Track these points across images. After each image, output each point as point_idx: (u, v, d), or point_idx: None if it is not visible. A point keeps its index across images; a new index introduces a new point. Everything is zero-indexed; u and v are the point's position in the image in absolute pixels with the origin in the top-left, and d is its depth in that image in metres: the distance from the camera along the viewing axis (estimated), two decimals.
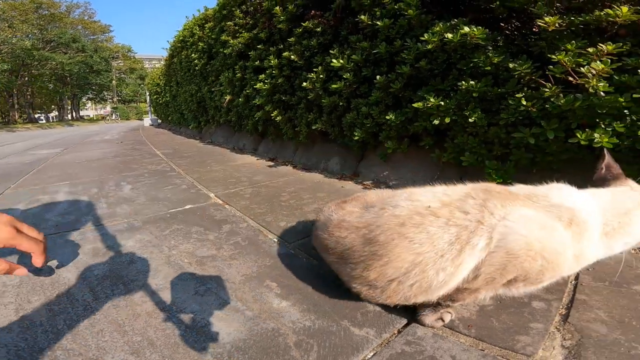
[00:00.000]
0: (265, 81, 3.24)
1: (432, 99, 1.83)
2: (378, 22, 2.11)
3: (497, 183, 1.75)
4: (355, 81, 2.36)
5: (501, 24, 1.79)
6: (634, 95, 1.31)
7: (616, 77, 1.34)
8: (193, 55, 5.21)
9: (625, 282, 1.14)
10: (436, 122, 1.86)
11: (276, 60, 3.10)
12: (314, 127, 2.81)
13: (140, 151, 4.97)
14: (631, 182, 0.97)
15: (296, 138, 3.27)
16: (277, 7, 2.94)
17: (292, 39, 2.91)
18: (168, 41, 7.21)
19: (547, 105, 1.52)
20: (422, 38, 1.85)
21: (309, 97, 2.74)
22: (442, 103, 1.81)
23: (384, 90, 2.17)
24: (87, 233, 1.63)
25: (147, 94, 13.81)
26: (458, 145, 1.92)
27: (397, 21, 2.08)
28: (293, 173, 3.02)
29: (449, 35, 1.74)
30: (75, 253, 1.42)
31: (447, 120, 1.82)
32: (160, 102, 9.45)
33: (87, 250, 1.44)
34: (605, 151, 1.05)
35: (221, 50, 4.23)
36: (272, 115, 3.26)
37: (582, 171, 1.65)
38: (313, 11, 2.63)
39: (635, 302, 1.03)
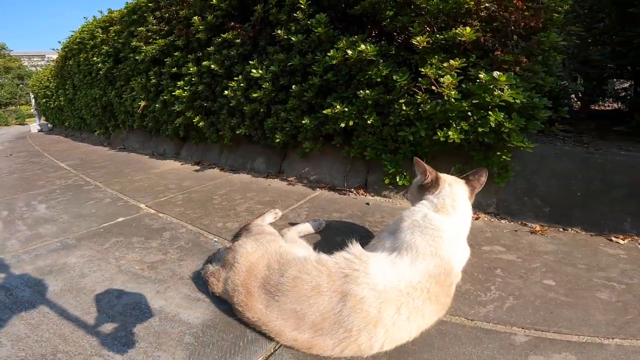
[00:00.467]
0: (185, 88, 3.26)
1: (338, 106, 2.19)
2: (293, 37, 2.39)
3: (390, 172, 2.21)
4: (274, 90, 2.61)
5: (394, 38, 2.22)
6: (474, 101, 1.83)
7: (463, 86, 1.85)
8: (95, 58, 4.79)
9: (477, 244, 1.63)
10: (342, 124, 2.24)
11: (195, 67, 3.15)
12: (238, 132, 2.98)
13: (40, 164, 4.43)
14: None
15: (220, 141, 3.38)
16: (196, 17, 2.99)
17: (211, 48, 3.00)
18: (60, 42, 6.36)
19: (419, 110, 1.99)
20: (329, 54, 2.19)
21: (231, 104, 2.89)
22: (346, 109, 2.19)
23: (299, 98, 2.47)
24: (21, 256, 1.60)
25: (32, 96, 11.83)
26: (362, 143, 2.33)
27: (309, 36, 2.39)
28: (221, 175, 3.15)
29: (350, 52, 2.10)
30: (20, 275, 1.41)
31: (351, 123, 2.21)
32: (52, 106, 8.28)
33: (31, 270, 1.44)
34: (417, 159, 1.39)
35: (131, 55, 4.04)
36: (194, 120, 3.31)
37: (448, 157, 2.19)
38: (233, 22, 2.77)
39: (482, 259, 1.51)
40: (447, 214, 1.18)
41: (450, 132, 1.85)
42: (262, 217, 1.90)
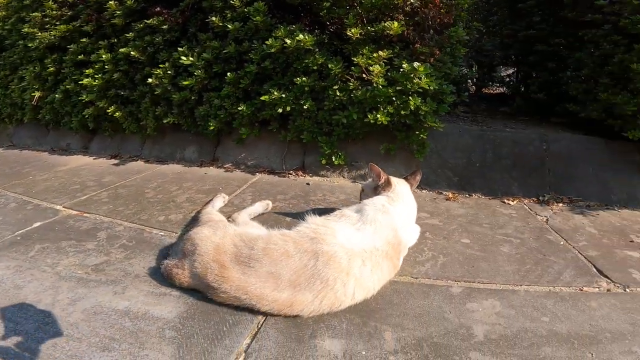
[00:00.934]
0: (96, 76, 2.87)
1: (275, 92, 2.23)
2: (229, 25, 2.31)
3: (326, 153, 2.35)
4: (207, 77, 2.49)
5: (327, 28, 2.31)
6: (397, 88, 2.05)
7: (389, 74, 2.05)
8: None
9: None
10: (280, 110, 2.28)
11: (109, 54, 2.80)
12: (165, 121, 2.77)
13: None
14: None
15: (142, 132, 3.10)
16: (112, 2, 2.65)
17: (130, 34, 2.70)
18: None
19: (352, 95, 2.16)
20: (267, 43, 2.19)
21: (155, 92, 2.66)
22: (284, 95, 2.24)
23: (234, 85, 2.41)
24: None
25: None
26: (298, 127, 2.41)
27: (246, 24, 2.34)
28: (148, 168, 2.90)
29: (288, 41, 2.14)
30: None
31: (288, 108, 2.27)
32: None
33: None
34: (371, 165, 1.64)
35: (21, 42, 3.38)
36: (109, 111, 2.95)
37: (376, 137, 2.42)
38: (158, 8, 2.52)
39: None
40: (399, 204, 1.42)
41: (378, 115, 2.05)
42: (211, 203, 1.87)
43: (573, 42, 2.45)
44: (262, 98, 2.27)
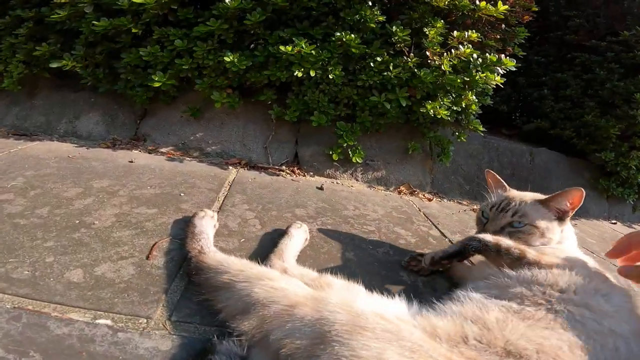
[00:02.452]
0: None
1: (304, 45, 1.28)
2: None
3: (345, 145, 1.59)
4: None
5: None
6: (466, 78, 1.51)
7: (463, 59, 1.48)
8: None
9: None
10: (299, 73, 1.35)
11: None
12: (56, 65, 1.35)
13: None
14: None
15: None
16: None
17: None
18: None
19: (399, 75, 1.47)
20: None
21: (49, 18, 1.22)
22: (314, 52, 1.32)
23: (228, 20, 1.30)
24: None
25: None
26: (306, 103, 1.53)
27: None
28: None
29: None
30: None
31: (313, 72, 1.37)
32: None
33: None
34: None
35: None
36: None
37: (397, 132, 1.81)
38: None
39: None
40: None
41: (437, 106, 1.45)
42: (195, 235, 0.88)
43: (552, 62, 2.48)
44: (282, 48, 1.28)
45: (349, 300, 0.59)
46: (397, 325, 0.53)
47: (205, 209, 1.02)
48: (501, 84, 1.55)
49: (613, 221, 2.27)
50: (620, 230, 2.13)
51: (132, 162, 1.40)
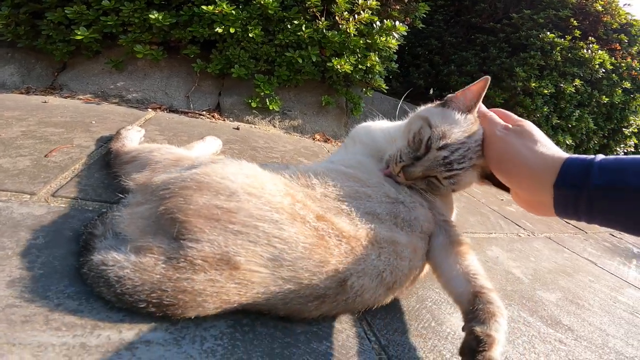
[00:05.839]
0: None
1: (225, 5, 1.42)
2: None
3: (262, 94, 1.76)
4: None
5: None
6: (368, 40, 1.74)
7: (358, 26, 1.70)
8: None
9: None
10: (220, 30, 1.49)
11: None
12: None
13: None
14: None
15: None
16: None
17: None
18: None
19: (312, 36, 1.66)
20: None
21: None
22: (234, 12, 1.46)
23: None
24: None
25: None
26: (228, 58, 1.67)
27: None
28: None
29: None
30: None
31: (233, 30, 1.51)
32: None
33: None
34: None
35: None
36: None
37: (313, 88, 2.01)
38: None
39: None
40: None
41: (342, 62, 1.67)
42: (120, 137, 1.00)
43: (461, 43, 2.83)
44: (204, 7, 1.41)
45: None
46: (240, 161, 0.67)
47: (133, 124, 1.13)
48: (419, 61, 1.80)
49: None
50: None
51: (45, 102, 1.44)
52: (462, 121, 0.70)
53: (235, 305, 0.52)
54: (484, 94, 0.71)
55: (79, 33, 1.46)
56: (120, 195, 0.69)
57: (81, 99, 1.62)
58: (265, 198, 0.56)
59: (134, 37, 1.54)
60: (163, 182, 0.60)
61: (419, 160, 0.70)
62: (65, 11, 1.47)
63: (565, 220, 1.69)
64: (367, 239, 0.59)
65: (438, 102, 0.80)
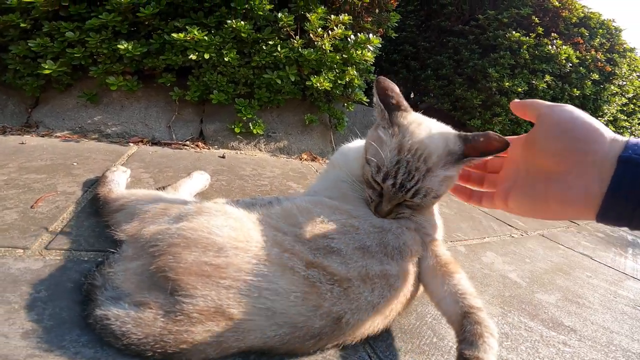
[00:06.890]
0: None
1: (196, 32, 1.44)
2: None
3: (244, 119, 1.78)
4: None
5: None
6: (344, 55, 1.79)
7: (333, 42, 1.75)
8: None
9: None
10: (193, 56, 1.50)
11: None
12: None
13: None
14: None
15: None
16: None
17: None
18: None
19: (294, 54, 1.70)
20: None
21: None
22: (207, 38, 1.48)
23: (122, 13, 1.39)
24: None
25: None
26: (206, 84, 1.68)
27: None
28: None
29: None
30: None
31: (207, 56, 1.52)
32: None
33: None
34: None
35: None
36: None
37: (295, 106, 2.05)
38: None
39: None
40: None
41: (321, 80, 1.71)
42: (106, 181, 1.00)
43: (434, 47, 2.93)
44: (174, 35, 1.42)
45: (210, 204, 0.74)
46: (225, 209, 0.71)
47: (117, 165, 1.13)
48: (396, 67, 1.86)
49: None
50: None
51: (23, 143, 1.42)
52: (389, 139, 0.69)
53: (235, 350, 0.54)
54: (395, 89, 0.72)
55: (46, 67, 1.44)
56: (112, 250, 0.69)
57: (59, 136, 1.60)
58: (253, 251, 0.58)
59: (104, 68, 1.54)
60: (152, 235, 0.62)
61: (383, 196, 0.71)
62: (29, 44, 1.46)
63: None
64: (359, 279, 0.61)
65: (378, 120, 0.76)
